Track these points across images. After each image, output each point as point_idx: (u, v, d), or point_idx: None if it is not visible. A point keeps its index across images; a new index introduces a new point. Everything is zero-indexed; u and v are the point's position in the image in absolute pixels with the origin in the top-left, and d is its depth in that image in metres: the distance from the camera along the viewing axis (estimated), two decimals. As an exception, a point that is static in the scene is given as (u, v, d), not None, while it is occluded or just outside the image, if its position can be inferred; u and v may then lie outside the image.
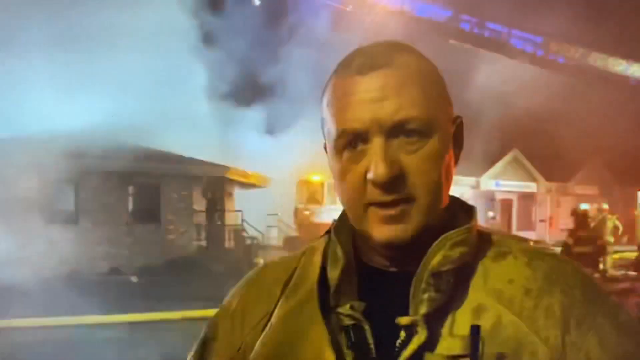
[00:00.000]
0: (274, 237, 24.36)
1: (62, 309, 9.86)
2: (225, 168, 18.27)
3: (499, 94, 22.82)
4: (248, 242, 19.95)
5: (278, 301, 0.90)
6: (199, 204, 18.44)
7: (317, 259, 0.90)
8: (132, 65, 16.42)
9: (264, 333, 0.88)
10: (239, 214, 20.27)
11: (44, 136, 13.69)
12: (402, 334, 0.80)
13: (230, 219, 20.06)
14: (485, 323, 0.77)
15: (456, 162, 0.88)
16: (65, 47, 15.30)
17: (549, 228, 30.31)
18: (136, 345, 8.41)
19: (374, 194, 0.80)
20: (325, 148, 0.88)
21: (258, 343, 0.88)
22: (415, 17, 22.96)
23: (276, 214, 25.73)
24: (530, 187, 30.96)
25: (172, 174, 17.39)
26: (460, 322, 0.78)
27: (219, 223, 19.45)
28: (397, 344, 0.80)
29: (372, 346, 0.81)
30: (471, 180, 28.40)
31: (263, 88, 22.84)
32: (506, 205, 30.35)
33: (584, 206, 11.56)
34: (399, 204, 0.79)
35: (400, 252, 0.83)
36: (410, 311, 0.80)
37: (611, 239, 13.54)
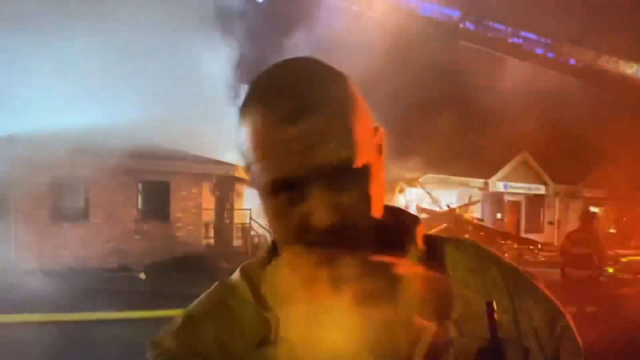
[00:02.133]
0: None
1: (70, 305, 9.93)
2: (235, 166, 18.32)
3: (508, 96, 22.72)
4: (256, 240, 19.98)
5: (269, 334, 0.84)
6: (208, 202, 18.50)
7: (287, 278, 0.88)
8: (142, 63, 16.48)
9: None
10: (248, 212, 20.31)
11: (54, 133, 13.77)
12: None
13: (239, 217, 20.10)
14: (459, 304, 0.84)
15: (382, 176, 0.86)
16: (75, 42, 15.36)
17: (557, 231, 30.18)
18: (144, 342, 8.44)
19: (314, 237, 0.78)
20: (245, 171, 0.86)
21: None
22: (422, 16, 22.86)
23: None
24: (539, 189, 30.82)
25: (182, 171, 17.46)
26: (447, 307, 0.84)
27: (227, 221, 19.50)
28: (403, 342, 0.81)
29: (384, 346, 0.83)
30: (479, 181, 28.31)
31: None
32: (514, 207, 30.22)
33: (592, 210, 11.51)
34: (341, 239, 0.78)
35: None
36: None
37: None
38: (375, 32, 21.27)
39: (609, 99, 26.43)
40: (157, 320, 9.60)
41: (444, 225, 20.71)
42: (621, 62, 25.20)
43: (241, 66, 20.77)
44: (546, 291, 0.90)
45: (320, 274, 0.82)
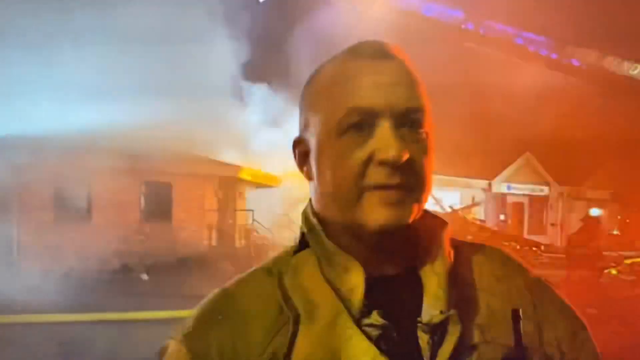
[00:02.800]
0: (285, 237, 24.40)
1: (73, 306, 9.93)
2: (238, 168, 18.35)
3: (512, 97, 22.71)
4: (259, 241, 19.98)
5: (278, 332, 0.82)
6: (211, 203, 18.52)
7: (313, 275, 0.85)
8: (145, 64, 16.49)
9: None
10: (250, 213, 20.32)
11: (58, 134, 13.80)
12: (424, 335, 0.80)
13: (242, 218, 20.12)
14: (484, 310, 0.85)
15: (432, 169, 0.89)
16: (80, 44, 15.39)
17: (560, 232, 30.14)
18: (146, 343, 8.45)
19: (379, 175, 0.79)
20: (294, 146, 0.90)
21: None
22: (425, 17, 22.88)
23: (287, 214, 25.79)
24: (542, 190, 30.79)
25: (185, 173, 17.47)
26: (481, 314, 0.84)
27: (230, 222, 19.51)
28: (427, 344, 0.79)
29: (401, 351, 0.80)
30: (483, 182, 28.29)
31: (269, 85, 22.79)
32: (517, 208, 30.20)
33: (595, 212, 11.53)
34: (400, 189, 0.80)
35: (390, 245, 0.83)
36: (428, 310, 0.81)
37: None
38: (377, 33, 21.28)
39: (613, 100, 26.38)
40: (159, 322, 9.61)
41: (447, 226, 20.65)
42: (625, 63, 25.16)
43: (245, 66, 20.78)
44: (568, 302, 0.92)
45: (346, 278, 0.83)
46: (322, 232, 0.86)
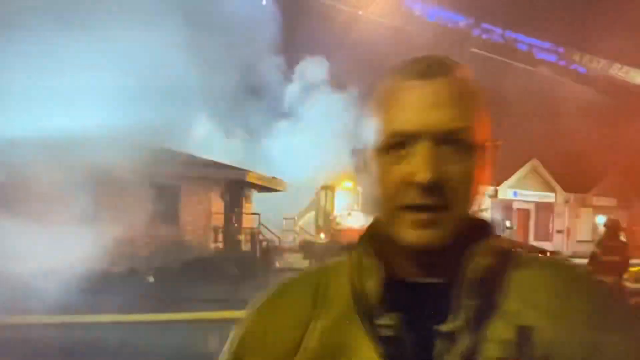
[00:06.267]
0: (290, 241, 24.44)
1: (79, 307, 9.96)
2: (245, 172, 18.38)
3: (519, 103, 22.67)
4: (264, 245, 20.00)
5: (308, 325, 0.89)
6: (218, 207, 18.55)
7: (346, 274, 0.90)
8: (151, 66, 16.53)
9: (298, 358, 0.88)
10: (256, 217, 20.35)
11: (62, 135, 13.83)
12: (439, 343, 0.81)
13: (248, 221, 20.14)
14: (511, 327, 0.81)
15: (484, 183, 0.89)
16: (79, 41, 15.38)
17: (567, 239, 30.03)
18: (151, 344, 8.46)
19: (412, 196, 0.81)
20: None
21: None
22: (431, 23, 22.90)
23: (293, 218, 25.83)
24: (549, 197, 30.69)
25: (192, 176, 17.50)
26: (499, 327, 0.81)
27: (236, 226, 19.53)
28: (437, 352, 0.81)
29: (411, 357, 0.82)
30: (489, 189, 28.19)
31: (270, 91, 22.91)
32: (524, 215, 30.12)
33: (600, 219, 11.50)
34: (434, 210, 0.81)
35: (428, 259, 0.85)
36: (449, 319, 0.82)
37: None
38: (382, 38, 21.31)
39: (620, 107, 26.28)
40: (165, 324, 9.64)
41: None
42: (632, 70, 25.08)
43: (248, 72, 20.83)
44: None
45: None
46: (364, 235, 0.92)
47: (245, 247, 19.63)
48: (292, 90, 26.41)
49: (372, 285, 0.85)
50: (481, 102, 0.87)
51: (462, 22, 23.43)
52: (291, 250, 22.26)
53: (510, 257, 0.88)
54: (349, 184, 25.04)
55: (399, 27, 22.25)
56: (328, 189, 25.36)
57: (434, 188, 0.80)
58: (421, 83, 0.83)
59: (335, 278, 0.92)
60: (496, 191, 28.38)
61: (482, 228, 0.89)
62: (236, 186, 18.99)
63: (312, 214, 26.73)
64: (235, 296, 12.70)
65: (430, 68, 0.85)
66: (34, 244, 15.79)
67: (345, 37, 22.08)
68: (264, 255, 19.49)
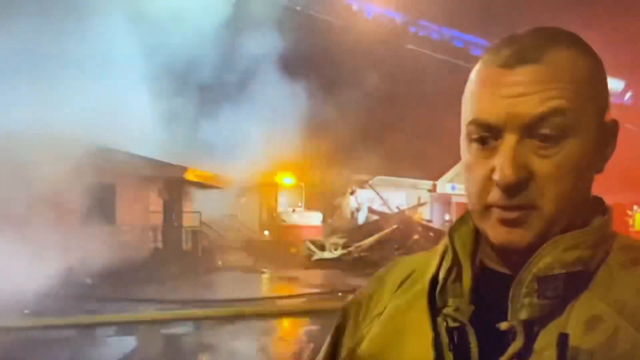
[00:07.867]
0: (233, 240, 24.17)
1: (18, 310, 9.66)
2: (183, 168, 18.06)
3: (457, 100, 23.16)
4: (206, 243, 19.80)
5: (390, 301, 0.91)
6: (156, 205, 18.20)
7: (435, 259, 0.87)
8: (93, 60, 16.15)
9: (372, 329, 0.89)
10: (197, 215, 20.08)
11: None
12: (496, 341, 0.76)
13: (188, 220, 19.85)
14: (600, 335, 0.71)
15: (601, 170, 0.80)
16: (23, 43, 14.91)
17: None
18: (89, 347, 8.27)
19: (497, 195, 0.76)
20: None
21: (367, 337, 0.89)
22: (366, 19, 23.16)
23: (235, 215, 25.60)
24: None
25: (128, 173, 17.10)
26: (570, 331, 0.71)
27: (176, 224, 19.24)
28: (492, 350, 0.76)
29: (474, 350, 0.77)
30: (428, 183, 28.76)
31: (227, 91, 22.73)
32: (462, 208, 30.68)
33: None
34: (520, 209, 0.75)
35: (518, 256, 0.77)
36: (509, 316, 0.75)
37: None
38: (319, 32, 21.42)
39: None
40: (103, 326, 9.42)
41: (394, 226, 20.96)
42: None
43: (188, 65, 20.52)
44: None
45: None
46: (453, 228, 0.88)
47: (186, 246, 19.36)
48: (236, 75, 26.01)
49: (443, 273, 0.84)
50: (592, 82, 0.77)
51: (399, 19, 23.74)
52: (234, 248, 22.08)
53: (610, 251, 0.78)
54: (289, 180, 25.03)
55: (335, 22, 22.39)
56: (271, 185, 25.28)
57: (517, 189, 0.74)
58: (507, 71, 0.76)
59: (428, 261, 0.90)
60: (434, 185, 28.97)
61: (586, 219, 0.80)
62: (175, 184, 18.69)
63: (256, 210, 26.59)
64: (173, 297, 12.53)
65: (521, 54, 0.76)
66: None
67: (284, 32, 22.06)
68: (205, 254, 19.28)
